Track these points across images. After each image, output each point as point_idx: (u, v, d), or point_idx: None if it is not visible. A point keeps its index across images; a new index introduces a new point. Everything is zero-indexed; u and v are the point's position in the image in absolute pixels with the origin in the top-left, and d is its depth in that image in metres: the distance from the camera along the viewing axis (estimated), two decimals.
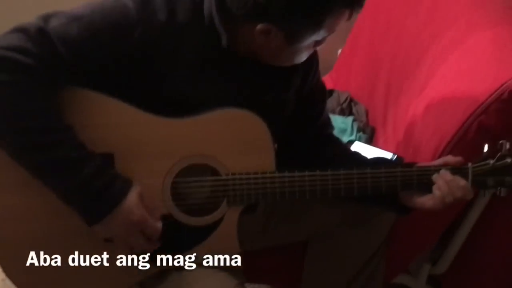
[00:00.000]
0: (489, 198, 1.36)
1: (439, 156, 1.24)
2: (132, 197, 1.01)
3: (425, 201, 1.13)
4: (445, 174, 1.11)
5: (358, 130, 1.64)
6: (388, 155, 1.40)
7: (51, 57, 0.97)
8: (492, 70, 1.21)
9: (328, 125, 1.32)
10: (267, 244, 1.39)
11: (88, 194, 0.98)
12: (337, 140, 1.33)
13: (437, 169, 1.13)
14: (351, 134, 1.62)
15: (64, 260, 1.08)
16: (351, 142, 1.50)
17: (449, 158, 1.15)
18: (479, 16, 1.38)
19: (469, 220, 1.42)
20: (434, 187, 1.11)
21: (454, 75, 1.32)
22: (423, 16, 1.56)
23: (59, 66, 0.98)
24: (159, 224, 1.05)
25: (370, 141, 1.64)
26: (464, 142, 1.21)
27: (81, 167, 0.97)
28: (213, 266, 1.14)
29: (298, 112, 1.23)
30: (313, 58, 1.21)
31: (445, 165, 1.13)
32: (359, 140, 1.59)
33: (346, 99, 1.77)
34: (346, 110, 1.74)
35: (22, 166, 0.99)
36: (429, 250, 1.53)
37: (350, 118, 1.67)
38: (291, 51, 1.07)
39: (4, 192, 1.05)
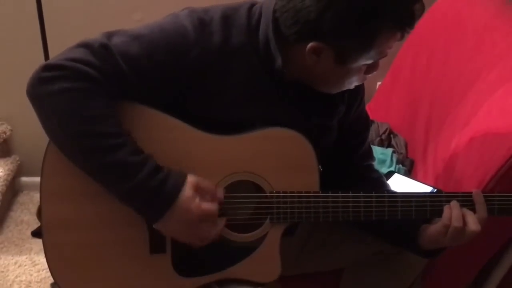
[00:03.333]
0: None
1: (483, 191, 1.24)
2: (188, 190, 1.02)
3: (432, 228, 1.13)
4: (455, 203, 1.12)
5: (397, 162, 1.65)
6: (427, 188, 1.40)
7: (113, 71, 1.01)
8: None
9: (369, 155, 1.33)
10: (301, 271, 1.39)
11: (147, 193, 1.01)
12: (375, 173, 1.33)
13: (449, 199, 1.13)
14: (390, 165, 1.63)
15: (112, 269, 1.11)
16: (390, 173, 1.50)
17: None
18: None
19: (504, 262, 1.41)
20: (443, 214, 1.12)
21: (499, 111, 1.33)
22: (467, 51, 1.58)
23: (119, 80, 1.02)
24: (214, 205, 1.05)
25: (409, 173, 1.64)
26: (508, 178, 1.21)
27: (140, 169, 1.00)
28: (251, 283, 1.15)
29: (340, 140, 1.25)
30: (360, 89, 1.23)
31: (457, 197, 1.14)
32: (398, 172, 1.59)
33: (386, 130, 1.78)
34: (385, 141, 1.75)
35: (84, 170, 1.03)
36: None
37: (389, 150, 1.68)
38: (341, 73, 1.08)
39: (59, 200, 1.09)
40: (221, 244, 1.11)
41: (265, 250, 1.14)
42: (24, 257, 1.95)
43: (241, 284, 1.15)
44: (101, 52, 1.01)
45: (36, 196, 2.25)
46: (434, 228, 1.12)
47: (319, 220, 1.13)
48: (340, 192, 1.13)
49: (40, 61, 1.84)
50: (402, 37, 1.03)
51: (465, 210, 1.11)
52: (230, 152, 1.11)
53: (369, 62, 1.07)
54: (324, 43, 1.02)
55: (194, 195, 1.03)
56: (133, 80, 1.03)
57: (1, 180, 2.06)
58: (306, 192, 1.12)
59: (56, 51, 1.87)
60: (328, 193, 1.12)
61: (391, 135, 1.77)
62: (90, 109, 0.99)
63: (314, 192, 1.12)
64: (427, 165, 1.59)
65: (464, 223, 1.09)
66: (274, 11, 1.06)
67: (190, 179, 1.04)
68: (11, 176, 2.14)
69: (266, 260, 1.14)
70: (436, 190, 1.41)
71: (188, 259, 1.12)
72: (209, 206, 1.04)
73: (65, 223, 1.10)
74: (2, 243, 2.01)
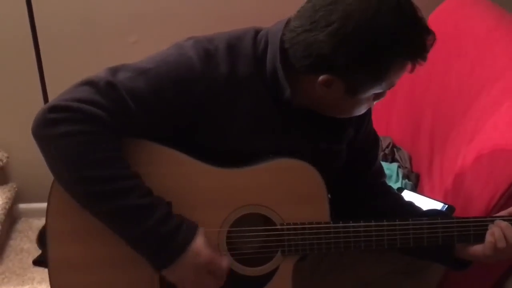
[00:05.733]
0: None
1: (493, 207, 1.23)
2: (199, 240, 1.01)
3: (478, 248, 1.11)
4: (500, 222, 1.10)
5: (403, 177, 1.63)
6: (438, 205, 1.39)
7: (120, 109, 0.99)
8: None
9: (381, 173, 1.31)
10: None
11: (157, 240, 0.99)
12: (390, 189, 1.32)
13: (493, 219, 1.11)
14: (397, 180, 1.61)
15: None
16: (400, 190, 1.48)
17: (506, 211, 1.13)
18: None
19: None
20: (488, 233, 1.10)
21: (505, 126, 1.31)
22: (469, 64, 1.56)
23: (126, 118, 1.00)
24: (225, 262, 1.05)
25: (415, 188, 1.62)
26: None
27: (151, 213, 0.99)
28: None
29: (351, 162, 1.23)
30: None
31: (501, 216, 1.12)
32: (405, 187, 1.57)
33: (389, 144, 1.76)
34: (389, 155, 1.73)
35: (93, 213, 1.01)
36: None
37: (395, 165, 1.66)
38: (351, 103, 1.08)
39: (66, 240, 1.08)
40: (232, 279, 1.09)
41: (277, 284, 1.12)
42: (26, 287, 1.92)
43: None
44: (107, 91, 0.99)
45: (35, 222, 2.22)
46: (481, 247, 1.10)
47: (331, 251, 1.11)
48: (351, 222, 1.11)
49: (36, 87, 1.86)
50: (413, 69, 1.02)
51: None
52: (239, 185, 1.09)
53: (379, 92, 1.06)
54: (335, 75, 1.00)
55: (205, 246, 1.02)
56: (141, 117, 1.01)
57: (0, 209, 2.03)
58: (317, 223, 1.10)
59: (52, 76, 1.87)
60: (339, 223, 1.10)
61: (394, 149, 1.76)
62: (98, 152, 0.97)
63: (325, 223, 1.10)
64: (433, 180, 1.58)
65: None
66: (282, 42, 1.04)
67: (201, 229, 1.03)
68: (9, 204, 2.11)
69: None
70: (447, 206, 1.39)
71: None
72: (223, 260, 1.05)
73: (72, 264, 1.08)
74: (3, 273, 1.97)
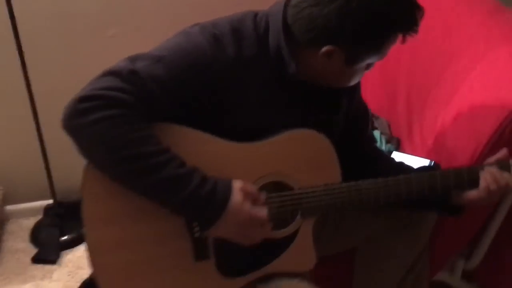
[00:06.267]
0: None
1: (477, 159, 1.37)
2: (236, 196, 1.10)
3: (472, 193, 1.25)
4: (490, 168, 1.25)
5: (386, 142, 1.77)
6: (425, 161, 1.53)
7: (144, 94, 1.06)
8: None
9: (373, 139, 1.44)
10: (319, 254, 1.49)
11: (199, 203, 1.07)
12: (383, 153, 1.45)
13: (482, 166, 1.26)
14: (380, 146, 1.74)
15: (161, 281, 1.17)
16: (389, 153, 1.61)
17: (493, 158, 1.28)
18: (496, 33, 1.54)
19: (497, 218, 1.55)
20: (481, 178, 1.24)
21: (480, 86, 1.46)
22: (438, 36, 1.69)
23: (150, 102, 1.07)
24: (264, 211, 1.13)
25: (397, 151, 1.76)
26: (499, 145, 1.34)
27: (189, 179, 1.07)
28: (290, 274, 1.24)
29: (347, 130, 1.34)
30: None
31: (489, 163, 1.27)
32: (390, 150, 1.71)
33: None
34: None
35: (136, 191, 1.08)
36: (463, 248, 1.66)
37: (377, 132, 1.79)
38: (349, 72, 1.18)
39: (102, 224, 1.14)
40: (259, 243, 1.19)
41: (301, 242, 1.23)
42: (29, 285, 1.95)
43: (281, 277, 1.23)
44: (131, 78, 1.06)
45: (25, 222, 2.23)
46: (476, 192, 1.24)
47: (346, 209, 1.23)
48: (360, 181, 1.22)
49: (20, 82, 1.87)
50: (404, 40, 1.13)
51: (501, 171, 1.23)
52: (258, 157, 1.18)
53: (371, 62, 1.17)
54: (337, 46, 1.11)
55: (243, 199, 1.10)
56: (163, 100, 1.08)
57: None
58: (331, 185, 1.21)
59: (36, 74, 1.88)
60: (351, 183, 1.22)
61: (373, 118, 1.89)
62: (132, 132, 1.04)
63: (338, 184, 1.22)
64: (414, 142, 1.72)
65: (506, 183, 1.22)
66: (284, 19, 1.13)
67: (236, 184, 1.11)
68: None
69: (302, 251, 1.23)
70: (433, 163, 1.53)
71: (230, 261, 1.19)
72: (261, 211, 1.12)
73: (110, 245, 1.15)
74: (2, 274, 1.99)
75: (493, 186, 1.22)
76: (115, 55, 1.67)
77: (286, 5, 1.14)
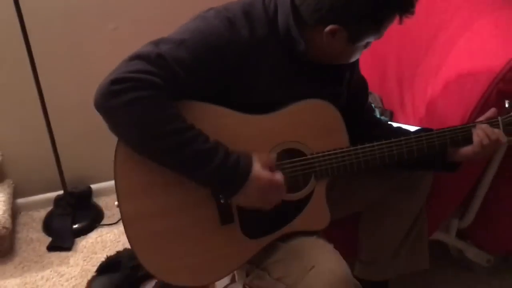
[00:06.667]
0: (503, 155, 1.64)
1: (467, 122, 1.50)
2: (256, 166, 1.21)
3: (467, 149, 1.38)
4: (481, 125, 1.38)
5: (380, 115, 1.90)
6: (416, 129, 1.65)
7: (170, 76, 1.16)
8: (501, 47, 1.49)
9: (372, 109, 1.57)
10: None
11: (226, 172, 1.18)
12: (381, 120, 1.57)
13: (474, 124, 1.39)
14: None
15: (191, 245, 1.28)
16: None
17: (483, 117, 1.41)
18: (477, 5, 1.67)
19: (486, 177, 1.69)
20: (474, 135, 1.37)
21: (467, 55, 1.59)
22: (423, 11, 1.77)
23: (176, 82, 1.17)
24: (280, 176, 1.24)
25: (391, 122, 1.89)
26: (487, 107, 1.47)
27: (215, 153, 1.17)
28: (307, 233, 1.36)
29: (349, 101, 1.46)
30: None
31: (480, 121, 1.40)
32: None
33: None
34: None
35: (167, 165, 1.18)
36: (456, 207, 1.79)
37: (371, 105, 1.92)
38: (351, 50, 1.30)
39: (134, 196, 1.24)
40: (279, 205, 1.30)
41: (315, 203, 1.34)
42: (48, 271, 2.04)
43: (299, 235, 1.35)
44: (158, 61, 1.16)
45: (36, 214, 2.32)
46: (470, 147, 1.37)
47: (354, 170, 1.34)
48: (366, 143, 1.34)
49: (29, 77, 1.95)
50: (401, 20, 1.24)
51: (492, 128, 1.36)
52: (273, 127, 1.29)
53: (372, 40, 1.29)
54: (341, 25, 1.22)
55: (262, 168, 1.21)
56: (188, 80, 1.19)
57: (6, 203, 2.12)
58: (340, 149, 1.33)
59: (42, 64, 1.97)
60: (357, 146, 1.34)
61: None
62: (164, 111, 1.14)
63: (347, 148, 1.33)
64: (407, 113, 1.85)
65: (496, 138, 1.35)
66: (292, 1, 1.24)
67: (255, 156, 1.22)
68: (11, 199, 2.20)
69: (317, 211, 1.35)
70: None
71: (253, 224, 1.30)
72: (277, 176, 1.23)
73: (143, 215, 1.25)
74: (21, 263, 2.08)
75: (486, 140, 1.35)
76: (117, 48, 1.78)
77: None
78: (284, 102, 1.31)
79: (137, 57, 1.17)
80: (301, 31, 1.26)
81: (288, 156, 1.32)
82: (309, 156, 1.32)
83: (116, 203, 1.26)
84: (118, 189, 1.24)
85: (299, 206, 1.34)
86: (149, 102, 1.13)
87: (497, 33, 1.54)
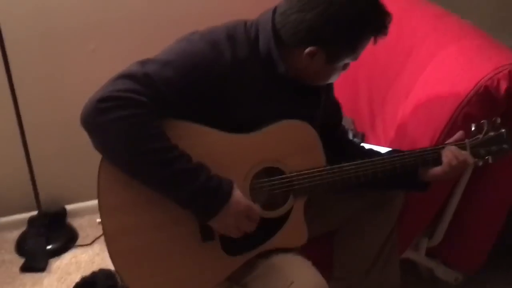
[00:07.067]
0: (470, 176, 1.72)
1: (435, 144, 1.58)
2: (236, 191, 1.25)
3: (437, 169, 1.45)
4: (450, 146, 1.45)
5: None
6: (387, 150, 1.72)
7: (157, 95, 1.21)
8: (467, 73, 1.58)
9: (346, 130, 1.63)
10: None
11: (207, 194, 1.22)
12: (354, 142, 1.63)
13: (443, 146, 1.46)
14: None
15: (172, 261, 1.30)
16: None
17: (451, 139, 1.49)
18: (444, 34, 1.77)
19: (454, 197, 1.77)
20: (443, 156, 1.44)
21: (435, 80, 1.68)
22: (393, 38, 1.84)
23: (162, 101, 1.22)
24: (257, 207, 1.29)
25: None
26: (454, 130, 1.55)
27: (198, 175, 1.21)
28: (286, 250, 1.40)
29: (325, 122, 1.52)
30: None
31: (449, 143, 1.48)
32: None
33: None
34: None
35: (147, 184, 1.21)
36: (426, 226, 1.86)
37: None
38: (329, 71, 1.36)
39: (117, 212, 1.27)
40: (259, 223, 1.34)
41: (294, 220, 1.39)
42: None
43: (278, 251, 1.39)
44: (145, 80, 1.20)
45: (8, 235, 2.29)
46: (439, 168, 1.43)
47: (331, 189, 1.40)
48: (342, 163, 1.40)
49: (5, 95, 1.96)
50: (375, 41, 1.32)
51: (460, 150, 1.43)
52: (253, 146, 1.34)
53: (348, 62, 1.36)
54: (319, 47, 1.28)
55: (242, 196, 1.27)
56: (173, 99, 1.23)
57: None
58: (317, 168, 1.38)
59: (19, 83, 1.98)
60: (334, 166, 1.39)
61: None
62: (149, 129, 1.18)
63: (324, 167, 1.39)
64: (378, 135, 1.93)
65: (464, 159, 1.42)
66: (273, 25, 1.30)
67: (235, 184, 1.27)
68: None
69: (296, 228, 1.39)
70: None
71: (234, 241, 1.33)
72: (255, 206, 1.29)
73: (125, 232, 1.27)
74: None
75: (454, 161, 1.42)
76: (97, 68, 1.80)
77: (274, 13, 1.31)
78: (263, 121, 1.36)
79: (125, 76, 1.21)
80: (281, 53, 1.32)
81: (267, 174, 1.36)
82: (288, 175, 1.37)
83: (98, 220, 1.29)
84: (101, 205, 1.26)
85: (278, 223, 1.38)
86: (136, 121, 1.17)
87: (463, 60, 1.64)
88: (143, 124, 1.18)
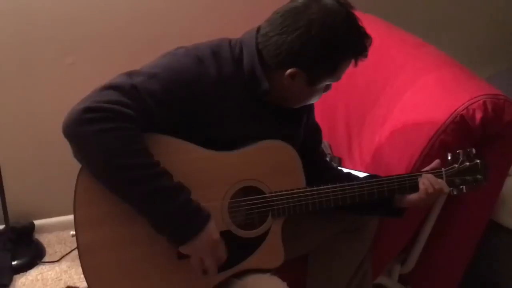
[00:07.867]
0: (443, 204, 1.74)
1: (411, 170, 1.60)
2: (212, 221, 1.24)
3: (413, 196, 1.47)
4: (426, 174, 1.48)
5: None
6: (364, 175, 1.74)
7: (142, 107, 1.20)
8: (444, 101, 1.62)
9: (324, 153, 1.64)
10: None
11: (184, 216, 1.20)
12: (333, 165, 1.65)
13: (420, 174, 1.49)
14: None
15: (147, 278, 1.28)
16: None
17: (428, 167, 1.52)
18: (422, 63, 1.81)
19: (427, 224, 1.79)
20: (420, 183, 1.46)
21: (411, 108, 1.71)
22: (371, 66, 1.87)
23: (148, 114, 1.21)
24: (223, 247, 1.28)
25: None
26: (430, 157, 1.58)
27: (179, 194, 1.20)
28: (261, 271, 1.38)
29: (305, 143, 1.53)
30: None
31: (426, 171, 1.50)
32: None
33: None
34: None
35: (125, 199, 1.19)
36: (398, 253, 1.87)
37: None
38: (310, 92, 1.38)
39: (92, 226, 1.24)
40: (235, 242, 1.33)
41: (271, 241, 1.38)
42: None
43: (253, 272, 1.38)
44: (131, 92, 1.19)
45: None
46: (416, 194, 1.45)
47: (310, 210, 1.40)
48: (322, 185, 1.40)
49: None
50: (356, 63, 1.35)
51: (436, 178, 1.45)
52: (233, 165, 1.34)
53: (329, 83, 1.38)
54: (300, 69, 1.30)
55: (216, 227, 1.25)
56: (158, 112, 1.22)
57: None
58: (297, 189, 1.38)
59: None
60: (313, 187, 1.40)
61: None
62: (133, 144, 1.17)
63: (303, 188, 1.39)
64: (354, 160, 1.95)
65: (440, 188, 1.44)
66: (257, 45, 1.31)
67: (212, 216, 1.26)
68: None
69: (273, 249, 1.39)
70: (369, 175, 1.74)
71: None
72: (222, 245, 1.28)
73: (100, 246, 1.25)
74: None
75: (430, 189, 1.44)
76: (74, 82, 1.77)
77: (257, 32, 1.33)
78: (246, 139, 1.36)
79: (112, 87, 1.20)
80: (265, 72, 1.32)
81: (247, 194, 1.36)
82: (267, 195, 1.36)
83: (72, 232, 1.26)
84: (76, 217, 1.24)
85: (255, 243, 1.37)
86: (121, 134, 1.16)
87: (440, 89, 1.68)
88: (128, 138, 1.16)
